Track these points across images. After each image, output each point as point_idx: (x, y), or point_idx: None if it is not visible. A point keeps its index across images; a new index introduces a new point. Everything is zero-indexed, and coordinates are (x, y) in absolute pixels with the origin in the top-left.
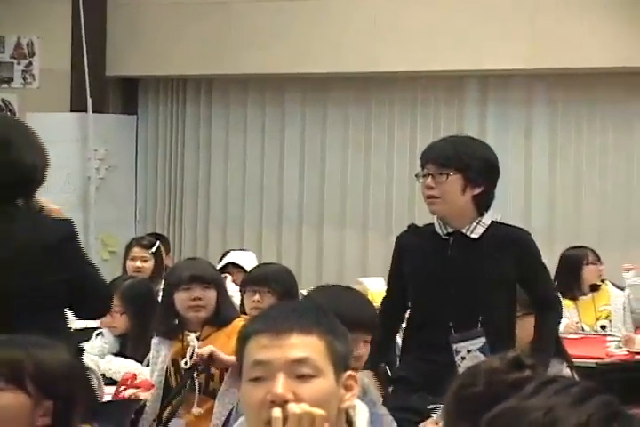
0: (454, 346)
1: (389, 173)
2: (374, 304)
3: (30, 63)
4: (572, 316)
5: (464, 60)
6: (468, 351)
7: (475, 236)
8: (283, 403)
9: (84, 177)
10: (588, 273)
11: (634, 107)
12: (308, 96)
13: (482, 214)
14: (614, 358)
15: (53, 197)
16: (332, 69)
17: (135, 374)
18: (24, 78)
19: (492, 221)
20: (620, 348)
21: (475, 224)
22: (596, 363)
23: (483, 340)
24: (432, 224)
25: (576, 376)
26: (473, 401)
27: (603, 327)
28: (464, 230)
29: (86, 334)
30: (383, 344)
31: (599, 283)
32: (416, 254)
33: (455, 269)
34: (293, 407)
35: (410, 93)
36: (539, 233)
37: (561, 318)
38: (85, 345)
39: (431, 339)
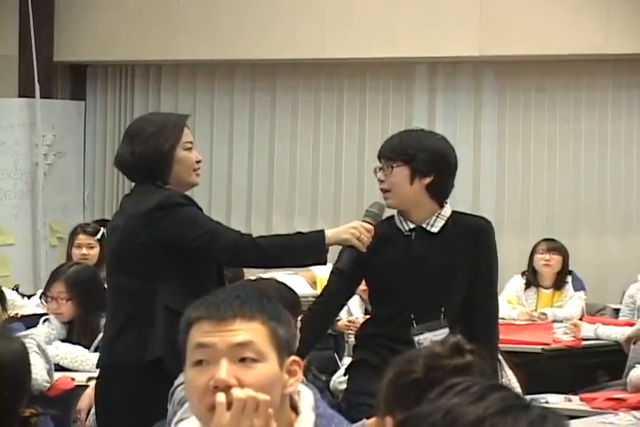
0: (416, 338)
1: (338, 159)
2: (320, 290)
3: None
4: (529, 304)
5: (413, 46)
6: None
7: (435, 230)
8: (226, 388)
9: (32, 163)
10: (536, 262)
11: (582, 94)
12: (257, 83)
13: (442, 206)
14: (561, 344)
15: (1, 182)
16: (280, 56)
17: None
18: None
19: (453, 212)
20: (567, 334)
21: (434, 217)
22: (543, 349)
23: (446, 331)
24: (391, 218)
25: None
26: (412, 388)
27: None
28: (424, 225)
29: (33, 320)
30: (318, 334)
31: (567, 276)
32: (378, 253)
33: (418, 265)
34: (237, 392)
35: (359, 80)
36: None
37: (494, 322)
38: (33, 331)
39: (394, 333)
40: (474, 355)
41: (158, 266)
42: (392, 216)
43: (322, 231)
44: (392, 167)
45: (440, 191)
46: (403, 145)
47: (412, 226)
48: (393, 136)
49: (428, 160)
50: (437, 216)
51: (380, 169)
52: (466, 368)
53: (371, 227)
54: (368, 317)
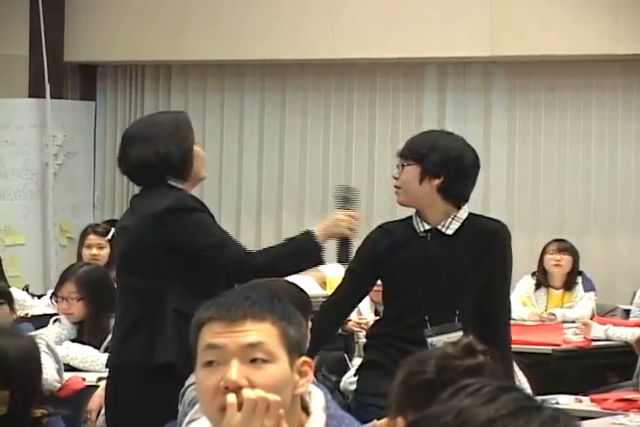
0: (429, 340)
1: (348, 159)
2: (330, 290)
3: None
4: (540, 305)
5: (423, 47)
6: None
7: (450, 232)
8: (237, 389)
9: (43, 163)
10: (546, 262)
11: (592, 95)
12: (266, 83)
13: (459, 208)
14: (571, 344)
15: (11, 182)
16: (290, 56)
17: (81, 380)
18: None
19: (470, 214)
20: (577, 335)
21: (450, 220)
22: (553, 350)
23: (460, 334)
24: (408, 218)
25: None
26: (424, 388)
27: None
28: (439, 227)
29: (43, 320)
30: (328, 333)
31: (577, 277)
32: (394, 253)
33: (433, 266)
34: (248, 393)
35: (368, 80)
36: None
37: (507, 324)
38: (43, 332)
39: (405, 334)
40: (485, 356)
41: (167, 267)
42: (410, 217)
43: (310, 232)
44: (404, 165)
45: (453, 193)
46: (417, 144)
47: (427, 227)
48: (414, 136)
49: (438, 161)
50: (453, 218)
51: (398, 167)
52: (478, 369)
53: (353, 213)
54: (378, 318)
